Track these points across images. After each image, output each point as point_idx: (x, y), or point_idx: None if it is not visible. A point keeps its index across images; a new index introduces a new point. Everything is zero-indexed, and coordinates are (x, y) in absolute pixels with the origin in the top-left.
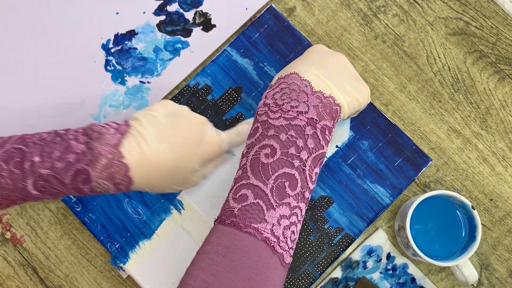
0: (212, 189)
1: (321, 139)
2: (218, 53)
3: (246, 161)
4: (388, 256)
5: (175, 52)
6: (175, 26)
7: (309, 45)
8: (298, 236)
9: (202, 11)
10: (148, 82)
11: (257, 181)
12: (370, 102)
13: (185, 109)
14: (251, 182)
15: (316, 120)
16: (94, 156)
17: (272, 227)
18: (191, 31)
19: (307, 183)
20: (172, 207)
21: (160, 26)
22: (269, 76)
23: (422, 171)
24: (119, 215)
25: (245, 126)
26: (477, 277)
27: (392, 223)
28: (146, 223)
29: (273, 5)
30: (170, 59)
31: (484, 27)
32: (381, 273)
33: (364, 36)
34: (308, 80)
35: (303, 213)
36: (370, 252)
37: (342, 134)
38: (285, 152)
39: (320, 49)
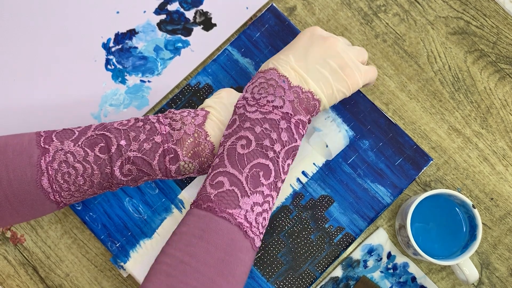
0: None
1: (294, 132)
2: (219, 52)
3: (223, 150)
4: (389, 255)
5: (176, 51)
6: (175, 25)
7: None
8: (268, 223)
9: (202, 10)
10: (149, 81)
11: (233, 170)
12: (370, 101)
13: None
14: (228, 170)
15: (291, 114)
16: (180, 136)
17: (245, 213)
18: (191, 30)
19: (280, 173)
20: (173, 206)
21: (161, 25)
22: None
23: (422, 170)
24: (119, 214)
25: None
26: (477, 276)
27: (393, 222)
28: (147, 222)
29: (274, 4)
30: (171, 58)
31: (485, 27)
32: (381, 272)
33: (364, 35)
34: (285, 76)
35: (275, 201)
36: (370, 251)
37: (337, 141)
38: (260, 144)
39: (313, 33)
